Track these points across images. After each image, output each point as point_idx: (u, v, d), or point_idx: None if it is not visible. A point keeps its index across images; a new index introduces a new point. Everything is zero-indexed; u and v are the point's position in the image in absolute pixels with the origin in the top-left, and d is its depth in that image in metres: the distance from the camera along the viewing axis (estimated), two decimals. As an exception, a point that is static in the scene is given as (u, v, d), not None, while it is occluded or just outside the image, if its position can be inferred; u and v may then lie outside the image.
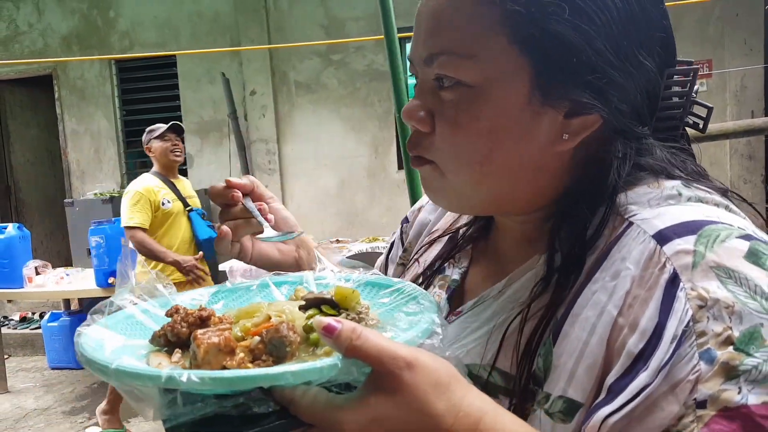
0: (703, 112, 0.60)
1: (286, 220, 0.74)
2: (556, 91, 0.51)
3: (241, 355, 0.43)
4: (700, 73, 5.14)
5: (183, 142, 3.71)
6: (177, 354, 0.46)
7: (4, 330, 5.13)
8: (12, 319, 5.85)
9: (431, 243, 0.74)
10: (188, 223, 3.55)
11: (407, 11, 4.19)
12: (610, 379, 0.46)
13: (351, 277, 0.60)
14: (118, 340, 0.49)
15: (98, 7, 6.38)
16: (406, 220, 0.83)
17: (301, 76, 6.06)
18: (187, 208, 3.55)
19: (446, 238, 0.72)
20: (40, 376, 4.65)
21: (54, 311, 5.09)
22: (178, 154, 3.61)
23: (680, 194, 0.52)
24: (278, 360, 0.43)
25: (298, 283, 0.62)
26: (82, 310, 5.05)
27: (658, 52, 0.55)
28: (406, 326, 0.48)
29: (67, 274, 4.30)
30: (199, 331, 0.44)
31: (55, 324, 4.75)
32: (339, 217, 6.10)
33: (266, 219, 0.69)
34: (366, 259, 2.66)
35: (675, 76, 0.57)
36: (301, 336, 0.45)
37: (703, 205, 0.51)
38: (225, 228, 0.69)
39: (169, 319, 0.49)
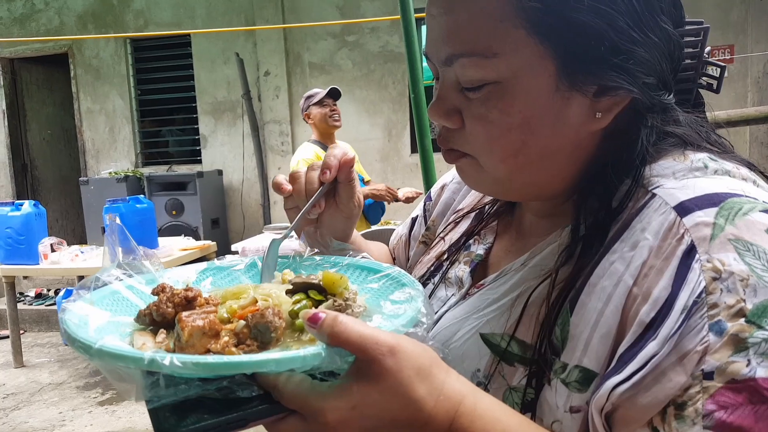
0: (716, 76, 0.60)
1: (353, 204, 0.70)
2: (582, 76, 0.50)
3: (226, 338, 0.43)
4: (722, 58, 5.07)
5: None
6: (162, 334, 0.46)
7: (20, 306, 5.21)
8: (27, 296, 5.94)
9: (457, 221, 0.74)
10: None
11: (424, -8, 4.10)
12: (621, 348, 0.46)
13: (340, 261, 0.60)
14: (103, 317, 0.48)
15: (114, -15, 6.37)
16: (429, 198, 0.83)
17: (315, 57, 6.03)
18: None
19: (472, 215, 0.72)
20: (54, 352, 4.72)
21: (69, 288, 5.17)
22: (336, 119, 3.63)
23: (706, 166, 0.51)
24: (263, 345, 0.43)
25: (286, 265, 0.61)
26: (96, 287, 5.11)
27: (673, 12, 0.54)
28: (391, 314, 0.48)
29: (82, 252, 4.35)
30: (184, 314, 0.44)
31: (67, 300, 4.81)
32: (351, 199, 6.08)
33: (309, 214, 0.66)
34: (379, 236, 2.65)
35: (686, 37, 0.56)
36: (287, 321, 0.45)
37: (728, 178, 0.50)
38: (284, 185, 0.67)
39: (155, 298, 0.48)
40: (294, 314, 0.45)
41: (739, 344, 0.41)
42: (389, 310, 0.50)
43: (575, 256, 0.53)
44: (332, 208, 0.68)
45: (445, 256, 0.70)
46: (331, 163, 0.65)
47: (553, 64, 0.50)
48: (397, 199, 3.58)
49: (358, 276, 0.58)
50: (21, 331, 4.73)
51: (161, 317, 0.46)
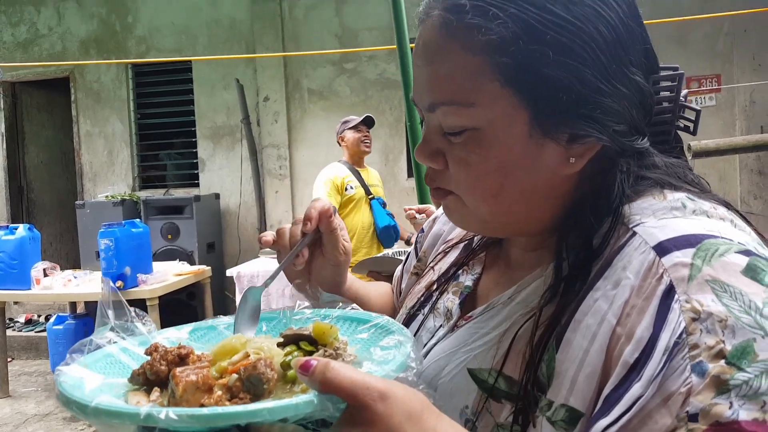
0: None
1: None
2: (554, 125, 0.54)
3: (219, 392, 0.43)
4: (709, 88, 5.14)
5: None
6: (155, 393, 0.46)
7: (9, 332, 5.15)
8: (17, 321, 5.88)
9: (446, 251, 0.76)
10: (369, 210, 3.79)
11: (421, 21, 4.19)
12: (607, 389, 0.47)
13: (330, 313, 0.61)
14: (97, 380, 0.49)
15: (117, 12, 6.45)
16: (421, 230, 0.86)
17: (314, 84, 6.08)
18: (369, 196, 3.78)
19: (461, 246, 0.74)
20: (42, 380, 4.65)
21: (60, 314, 5.11)
22: (367, 144, 3.89)
23: (684, 206, 0.53)
24: (256, 397, 0.44)
25: (275, 319, 0.63)
26: (88, 313, 5.06)
27: (644, 62, 0.57)
28: (381, 360, 0.49)
29: (75, 277, 4.31)
30: (178, 369, 0.44)
31: (60, 327, 4.75)
32: (348, 225, 6.08)
33: (295, 264, 0.70)
34: (379, 264, 2.64)
35: (662, 82, 0.59)
36: (279, 373, 0.45)
37: (706, 219, 0.52)
38: (267, 236, 0.73)
39: (148, 357, 0.49)
40: (286, 365, 0.46)
41: (721, 386, 0.42)
42: (379, 356, 0.51)
43: (559, 293, 0.54)
44: (319, 258, 0.73)
45: (435, 286, 0.71)
46: (311, 214, 0.70)
47: (526, 114, 0.53)
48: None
49: (348, 327, 0.59)
50: (9, 359, 4.66)
51: (155, 375, 0.47)
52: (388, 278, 2.58)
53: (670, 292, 0.46)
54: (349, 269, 0.79)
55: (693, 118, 0.62)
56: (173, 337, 0.59)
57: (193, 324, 0.62)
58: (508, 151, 0.55)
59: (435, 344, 0.65)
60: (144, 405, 0.45)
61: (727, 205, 0.56)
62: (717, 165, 5.29)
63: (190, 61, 6.14)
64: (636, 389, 0.45)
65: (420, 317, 0.70)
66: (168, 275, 4.31)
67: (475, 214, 0.59)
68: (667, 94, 0.60)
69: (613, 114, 0.53)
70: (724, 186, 5.39)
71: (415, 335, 0.68)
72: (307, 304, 0.65)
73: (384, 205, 3.87)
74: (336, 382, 0.41)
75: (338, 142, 3.99)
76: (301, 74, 6.09)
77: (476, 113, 0.54)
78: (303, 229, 0.70)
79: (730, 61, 5.35)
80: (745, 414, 0.42)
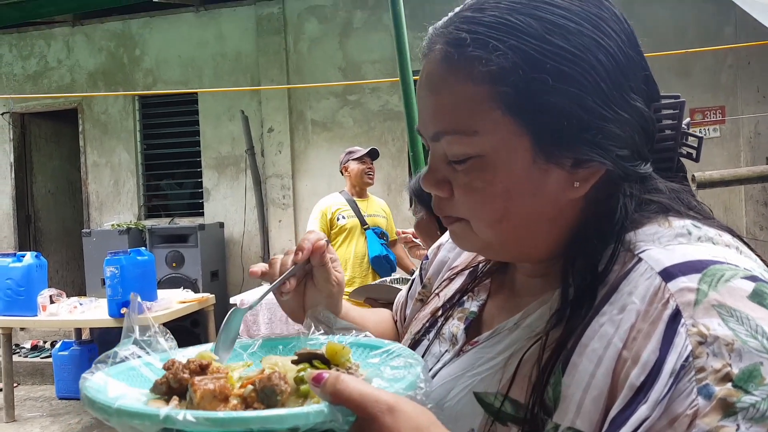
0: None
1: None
2: (556, 150, 0.54)
3: (235, 402, 0.46)
4: (713, 120, 5.17)
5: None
6: (174, 401, 0.48)
7: (15, 358, 5.16)
8: (23, 347, 5.89)
9: (452, 278, 0.76)
10: (364, 240, 3.78)
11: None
12: (613, 411, 0.47)
13: (343, 339, 0.62)
14: (120, 387, 0.52)
15: (125, 45, 6.62)
16: (426, 257, 0.86)
17: (318, 115, 6.20)
18: (364, 227, 3.79)
19: (466, 272, 0.74)
20: (47, 406, 4.66)
21: (65, 340, 5.13)
22: (371, 176, 3.93)
23: (690, 233, 0.54)
24: (269, 408, 0.46)
25: (291, 343, 0.64)
26: (92, 340, 5.08)
27: (644, 90, 0.58)
28: (391, 378, 0.51)
29: (81, 304, 4.35)
30: (197, 378, 0.47)
31: (65, 353, 4.78)
32: (351, 254, 6.13)
33: (281, 293, 0.71)
34: (376, 291, 2.67)
35: (663, 110, 0.60)
36: (292, 387, 0.47)
37: (711, 245, 0.52)
38: (258, 268, 0.75)
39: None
40: (299, 380, 0.48)
41: (727, 409, 0.43)
42: (389, 374, 0.52)
43: (565, 318, 0.54)
44: (312, 289, 0.74)
45: (440, 312, 0.72)
46: (304, 245, 0.71)
47: (528, 141, 0.54)
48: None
49: (361, 353, 0.60)
50: (14, 384, 4.67)
51: (177, 383, 0.49)
52: (385, 305, 2.56)
53: (676, 317, 0.47)
54: (345, 296, 0.79)
55: (696, 145, 0.62)
56: (194, 354, 0.60)
57: (212, 343, 0.64)
58: (511, 177, 0.55)
59: (441, 368, 0.65)
60: None
61: (732, 232, 0.56)
62: (722, 196, 5.27)
63: (196, 93, 6.27)
64: (642, 411, 0.45)
65: (425, 342, 0.70)
66: (172, 303, 4.34)
67: (482, 239, 0.59)
68: (669, 121, 0.60)
69: (615, 139, 0.54)
70: (729, 217, 5.36)
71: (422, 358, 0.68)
72: (321, 331, 0.66)
73: (381, 235, 3.86)
74: (346, 393, 0.42)
75: (341, 172, 4.05)
76: (305, 106, 6.21)
77: (479, 141, 0.55)
78: (294, 259, 0.71)
79: (734, 93, 5.37)
80: None
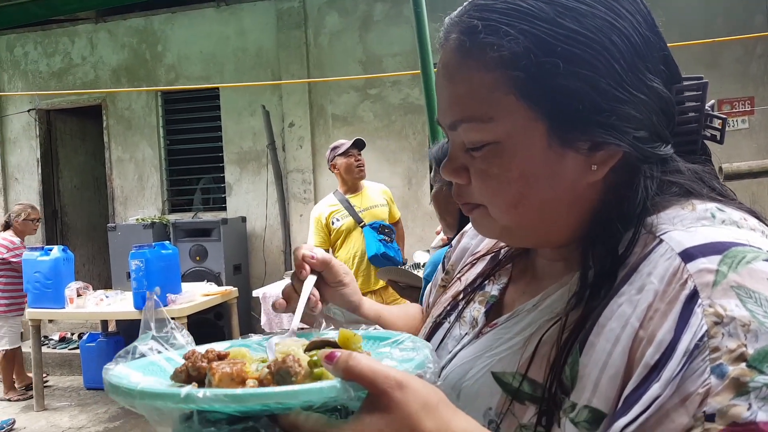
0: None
1: (345, 306, 0.78)
2: (571, 134, 0.55)
3: (251, 384, 0.47)
4: (742, 110, 5.02)
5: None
6: (194, 387, 0.50)
7: (44, 349, 5.27)
8: (52, 339, 6.02)
9: (473, 263, 0.77)
10: (362, 238, 3.66)
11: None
12: (627, 389, 0.48)
13: (358, 332, 0.63)
14: (142, 377, 0.54)
15: (147, 42, 6.69)
16: (450, 245, 0.87)
17: (338, 109, 6.20)
18: (360, 224, 3.67)
19: (488, 258, 0.75)
20: (76, 396, 4.76)
21: (92, 332, 5.23)
22: (361, 168, 3.72)
23: (714, 216, 0.53)
24: None
25: (304, 337, 0.65)
26: (118, 332, 5.18)
27: (662, 70, 0.57)
28: (401, 359, 0.52)
29: (107, 296, 4.43)
30: (215, 363, 0.49)
31: (92, 344, 4.88)
32: (371, 247, 6.14)
33: (312, 308, 0.74)
34: (399, 274, 2.66)
35: (686, 92, 0.60)
36: (306, 371, 0.48)
37: (735, 229, 0.52)
38: (281, 301, 0.77)
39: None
40: (312, 364, 0.49)
41: (740, 388, 0.42)
42: (398, 356, 0.53)
43: (584, 299, 0.54)
44: (327, 289, 0.78)
45: (461, 296, 0.73)
46: (299, 263, 0.76)
47: (543, 125, 0.54)
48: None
49: (372, 345, 0.61)
50: (44, 375, 4.78)
51: (196, 371, 0.50)
52: (405, 289, 2.56)
53: (693, 297, 0.46)
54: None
55: (719, 127, 0.61)
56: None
57: (230, 341, 0.66)
58: (527, 162, 0.56)
59: (460, 350, 0.66)
60: None
61: (757, 216, 0.56)
62: (750, 188, 5.17)
63: (217, 88, 6.32)
64: (655, 389, 0.45)
65: (446, 325, 0.71)
66: (196, 295, 4.40)
67: (500, 225, 0.60)
68: (692, 103, 0.60)
69: (631, 120, 0.54)
70: (756, 209, 5.27)
71: (441, 343, 0.69)
72: (332, 327, 0.67)
73: (381, 229, 3.71)
74: (357, 369, 0.43)
75: (330, 170, 3.86)
76: (325, 100, 6.22)
77: (495, 127, 0.55)
78: (300, 277, 0.75)
79: (764, 83, 5.26)
80: (763, 415, 0.41)
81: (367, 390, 0.44)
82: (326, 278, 0.77)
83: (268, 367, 0.48)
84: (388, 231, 3.75)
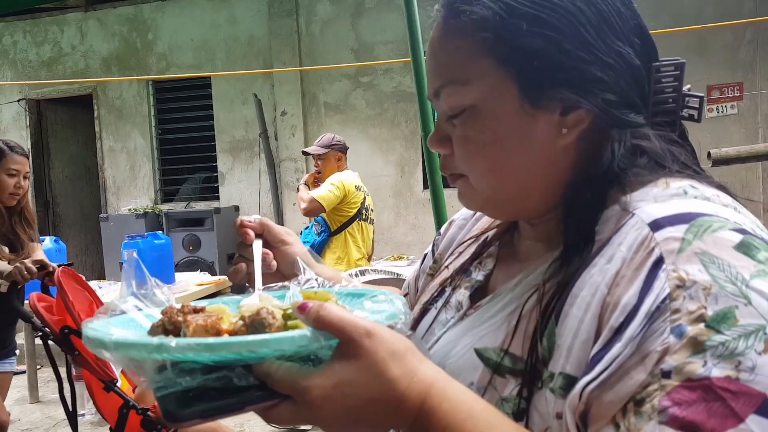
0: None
1: (294, 263, 0.78)
2: (541, 95, 0.57)
3: (225, 335, 0.48)
4: (731, 96, 5.03)
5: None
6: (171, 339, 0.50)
7: (37, 341, 5.26)
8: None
9: (461, 252, 0.79)
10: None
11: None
12: (593, 351, 0.49)
13: (334, 289, 0.65)
14: (120, 331, 0.54)
15: (138, 30, 6.63)
16: (439, 233, 0.89)
17: (331, 98, 6.19)
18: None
19: (475, 245, 0.77)
20: (70, 387, 4.75)
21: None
22: (319, 173, 3.88)
23: (686, 192, 0.55)
24: None
25: (285, 295, 0.66)
26: (112, 322, 5.16)
27: (635, 42, 0.59)
28: (372, 310, 0.53)
29: (100, 287, 4.41)
30: (190, 316, 0.49)
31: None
32: (365, 236, 6.15)
33: (269, 266, 0.78)
34: (382, 282, 2.69)
35: (663, 72, 0.61)
36: (280, 323, 0.49)
37: (708, 203, 0.53)
38: (239, 266, 0.80)
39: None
40: (287, 317, 0.49)
41: (697, 347, 0.44)
42: (370, 307, 0.54)
43: (561, 272, 0.56)
44: (275, 253, 0.81)
45: (448, 282, 0.75)
46: (242, 231, 0.80)
47: (514, 87, 0.57)
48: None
49: (352, 300, 0.62)
50: (37, 366, 4.77)
51: (172, 325, 0.51)
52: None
53: (659, 263, 0.48)
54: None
55: (697, 106, 0.63)
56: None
57: (210, 299, 0.66)
58: (501, 124, 0.58)
59: (445, 332, 0.68)
60: None
61: (730, 193, 0.57)
62: (740, 173, 5.22)
63: (209, 76, 6.29)
64: (616, 349, 0.46)
65: (433, 311, 0.73)
66: (189, 285, 4.39)
67: (481, 194, 0.62)
68: (670, 83, 0.61)
69: (598, 82, 0.56)
70: (746, 194, 5.32)
71: (428, 328, 0.71)
72: (311, 278, 0.70)
73: (316, 225, 3.82)
74: (328, 319, 0.45)
75: (319, 157, 3.91)
76: (317, 88, 6.20)
77: (471, 90, 0.58)
78: (247, 242, 0.78)
79: (753, 69, 5.29)
80: (717, 371, 0.43)
81: (338, 339, 0.45)
82: (269, 240, 0.80)
83: (242, 318, 0.49)
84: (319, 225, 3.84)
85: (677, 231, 0.49)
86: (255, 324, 0.48)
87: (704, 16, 5.02)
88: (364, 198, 3.78)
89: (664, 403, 0.44)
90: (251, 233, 0.79)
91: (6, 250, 2.58)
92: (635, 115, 0.58)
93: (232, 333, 0.48)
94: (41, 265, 2.37)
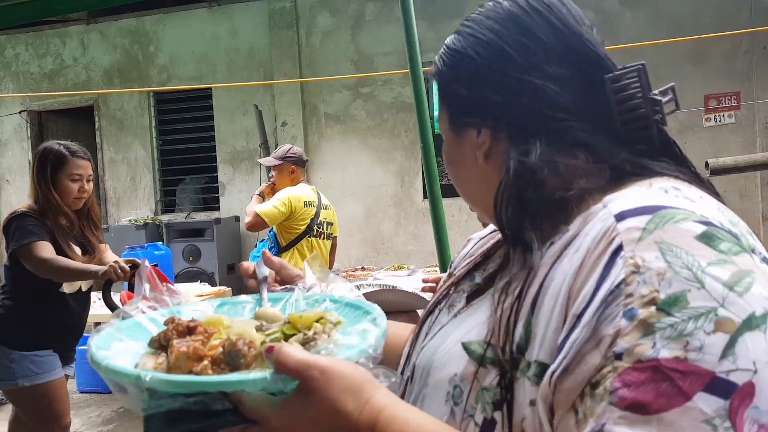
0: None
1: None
2: (460, 123, 0.68)
3: (206, 362, 0.52)
4: (728, 105, 5.03)
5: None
6: (162, 356, 0.54)
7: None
8: (46, 341, 5.99)
9: (468, 261, 0.82)
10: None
11: (432, 47, 4.29)
12: (559, 339, 0.52)
13: (335, 297, 0.69)
14: (124, 343, 0.59)
15: (139, 42, 6.68)
16: (459, 253, 0.94)
17: (331, 108, 6.21)
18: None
19: (481, 254, 0.80)
20: (71, 398, 4.73)
21: (86, 334, 5.20)
22: (272, 184, 3.87)
23: (666, 192, 0.56)
24: (234, 369, 0.52)
25: (290, 298, 0.71)
26: (113, 333, 5.15)
27: (575, 60, 0.63)
28: (346, 346, 0.56)
29: (99, 298, 4.41)
30: (176, 341, 0.53)
31: (84, 347, 4.85)
32: (365, 244, 6.15)
33: (272, 287, 0.82)
34: (372, 297, 2.61)
35: (627, 79, 0.62)
36: (257, 352, 0.53)
37: (682, 199, 0.54)
38: (244, 267, 0.86)
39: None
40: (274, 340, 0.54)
41: (647, 329, 0.45)
42: (345, 342, 0.57)
43: (536, 266, 0.58)
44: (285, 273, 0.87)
45: (453, 287, 0.78)
46: (245, 272, 0.85)
47: (448, 118, 0.70)
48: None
49: (350, 312, 0.66)
50: (38, 377, 4.75)
51: (167, 342, 0.55)
52: (399, 315, 2.45)
53: (617, 251, 0.49)
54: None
55: (659, 109, 0.62)
56: (200, 310, 0.67)
57: (221, 299, 0.71)
58: (449, 148, 0.71)
59: (439, 330, 0.71)
60: (149, 366, 0.53)
61: (720, 199, 0.58)
62: (738, 182, 5.23)
63: (210, 88, 6.32)
64: (574, 335, 0.49)
65: (436, 312, 0.76)
66: (190, 296, 4.38)
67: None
68: (635, 89, 0.62)
69: (493, 108, 0.64)
70: (745, 203, 5.32)
71: (429, 328, 0.75)
72: (316, 284, 0.74)
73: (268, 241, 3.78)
74: (284, 362, 0.50)
75: (279, 167, 3.79)
76: (318, 99, 6.23)
77: (440, 121, 0.72)
78: (260, 274, 0.83)
79: (750, 79, 5.31)
80: (666, 352, 0.44)
81: (296, 379, 0.50)
82: (285, 280, 0.84)
83: (222, 346, 0.52)
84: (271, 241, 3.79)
85: (639, 221, 0.51)
86: (231, 354, 0.52)
87: (701, 26, 5.05)
88: (316, 214, 3.65)
89: (615, 384, 0.45)
90: (254, 282, 0.83)
91: (79, 252, 2.65)
92: (542, 135, 0.61)
93: (213, 359, 0.52)
94: (133, 264, 2.50)
